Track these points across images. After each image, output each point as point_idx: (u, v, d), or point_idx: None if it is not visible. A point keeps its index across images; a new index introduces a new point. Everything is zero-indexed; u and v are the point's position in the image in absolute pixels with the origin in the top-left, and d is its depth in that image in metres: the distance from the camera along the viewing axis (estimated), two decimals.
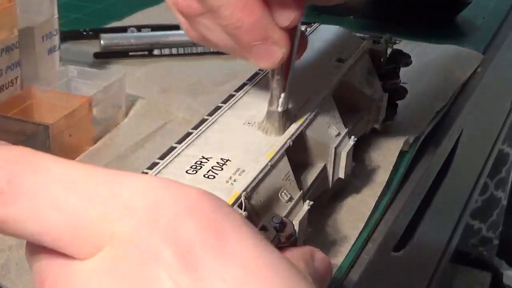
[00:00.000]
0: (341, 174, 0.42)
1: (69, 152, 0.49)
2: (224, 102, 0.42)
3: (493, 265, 1.30)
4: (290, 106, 0.40)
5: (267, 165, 0.36)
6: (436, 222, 0.69)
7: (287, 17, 0.35)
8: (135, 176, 0.24)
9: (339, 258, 0.40)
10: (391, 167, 0.49)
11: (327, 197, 0.44)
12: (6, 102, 0.49)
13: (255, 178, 0.34)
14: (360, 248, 0.42)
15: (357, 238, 0.42)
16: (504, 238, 1.35)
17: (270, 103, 0.39)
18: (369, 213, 0.44)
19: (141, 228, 0.22)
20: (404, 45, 0.56)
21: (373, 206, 0.45)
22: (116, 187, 0.23)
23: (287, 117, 0.40)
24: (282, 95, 0.39)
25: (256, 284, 0.22)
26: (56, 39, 0.55)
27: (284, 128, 0.39)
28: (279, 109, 0.39)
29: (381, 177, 0.48)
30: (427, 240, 0.68)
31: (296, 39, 0.39)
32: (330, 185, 0.42)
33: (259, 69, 0.46)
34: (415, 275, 0.68)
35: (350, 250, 0.41)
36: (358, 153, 0.49)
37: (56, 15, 0.54)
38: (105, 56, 0.66)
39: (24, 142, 0.45)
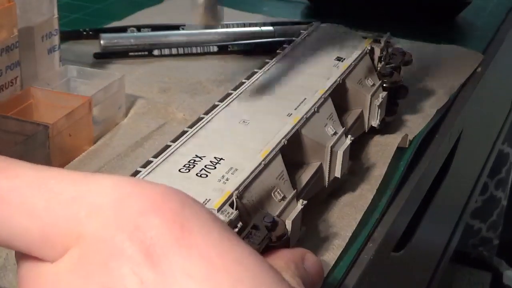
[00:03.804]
0: (338, 174, 0.42)
1: (69, 152, 0.49)
2: (221, 101, 0.42)
3: (493, 265, 1.30)
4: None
5: (260, 164, 0.36)
6: (436, 222, 0.69)
7: None
8: (103, 177, 0.24)
9: (336, 252, 0.40)
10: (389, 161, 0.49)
11: (324, 195, 0.44)
12: (6, 102, 0.49)
13: (247, 177, 0.34)
14: (360, 248, 0.42)
15: (356, 237, 0.42)
16: (504, 238, 1.35)
17: None
18: (367, 206, 0.44)
19: (106, 226, 0.22)
20: (404, 45, 0.56)
21: (371, 199, 0.45)
22: (84, 188, 0.23)
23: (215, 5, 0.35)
24: None
25: (221, 279, 0.22)
26: (56, 39, 0.55)
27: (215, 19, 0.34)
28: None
29: (379, 173, 0.48)
30: (427, 240, 0.68)
31: None
32: (326, 184, 0.42)
33: (257, 68, 0.46)
34: (415, 275, 0.68)
35: (350, 249, 0.41)
36: (357, 152, 0.49)
37: (56, 15, 0.54)
38: (105, 56, 0.66)
39: (24, 142, 0.45)
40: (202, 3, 0.35)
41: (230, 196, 0.33)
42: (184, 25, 0.71)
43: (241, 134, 0.38)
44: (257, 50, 0.68)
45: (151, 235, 0.22)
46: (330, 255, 0.40)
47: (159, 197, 0.23)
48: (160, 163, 0.35)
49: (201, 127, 0.39)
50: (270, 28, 0.72)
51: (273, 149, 0.37)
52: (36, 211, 0.23)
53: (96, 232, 0.22)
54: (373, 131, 0.51)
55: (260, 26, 0.72)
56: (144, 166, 0.35)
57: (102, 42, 0.67)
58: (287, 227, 0.34)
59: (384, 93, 0.49)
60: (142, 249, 0.22)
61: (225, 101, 0.42)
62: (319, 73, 0.46)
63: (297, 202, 0.37)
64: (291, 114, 0.41)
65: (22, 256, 0.24)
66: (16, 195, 0.23)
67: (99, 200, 0.23)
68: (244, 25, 0.73)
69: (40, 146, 0.45)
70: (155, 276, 0.21)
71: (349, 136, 0.43)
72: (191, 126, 0.39)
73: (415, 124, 0.54)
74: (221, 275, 0.22)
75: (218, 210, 0.32)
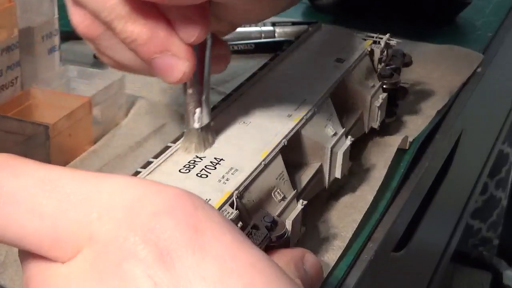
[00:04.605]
0: (338, 174, 0.42)
1: (69, 152, 0.49)
2: (221, 102, 0.42)
3: (493, 265, 1.30)
4: (209, 121, 0.38)
5: (260, 164, 0.36)
6: (436, 222, 0.69)
7: (191, 33, 0.34)
8: (113, 177, 0.24)
9: (336, 252, 0.40)
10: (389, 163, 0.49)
11: (324, 197, 0.44)
12: (6, 102, 0.49)
13: (247, 177, 0.34)
14: (360, 248, 0.42)
15: (357, 237, 0.42)
16: (504, 238, 1.35)
17: (187, 119, 0.38)
18: (367, 207, 0.44)
19: (119, 228, 0.22)
20: (404, 45, 0.56)
21: (371, 200, 0.45)
22: (95, 189, 0.23)
23: (207, 133, 0.37)
24: (197, 110, 0.37)
25: (234, 281, 0.22)
26: (56, 39, 0.55)
27: (205, 145, 0.37)
28: (196, 125, 0.37)
29: (379, 174, 0.48)
30: (427, 240, 0.68)
31: (207, 52, 0.37)
32: (327, 185, 0.42)
33: (258, 69, 0.46)
34: (415, 275, 0.68)
35: (350, 249, 0.41)
36: (357, 153, 0.49)
37: (56, 15, 0.54)
38: None
39: (24, 142, 0.45)
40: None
41: (230, 196, 0.33)
42: None
43: (241, 135, 0.38)
44: (257, 50, 0.68)
45: (165, 237, 0.22)
46: (330, 256, 0.40)
47: (172, 199, 0.23)
48: (160, 164, 0.35)
49: None
50: (270, 28, 0.72)
51: (273, 149, 0.37)
52: (47, 211, 0.23)
53: (109, 234, 0.22)
54: (373, 133, 0.51)
55: (260, 26, 0.72)
56: (144, 166, 0.35)
57: None
58: (287, 227, 0.34)
59: (384, 94, 0.49)
60: (156, 251, 0.22)
61: (225, 103, 0.42)
62: (319, 74, 0.46)
63: (297, 202, 0.37)
64: (291, 115, 0.41)
65: (29, 256, 0.24)
66: (25, 194, 0.23)
67: (111, 201, 0.23)
68: (244, 25, 0.73)
69: (40, 146, 0.45)
70: (169, 278, 0.21)
71: (349, 137, 0.43)
72: None
73: (415, 125, 0.54)
74: (234, 278, 0.22)
75: (218, 210, 0.32)
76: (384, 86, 0.50)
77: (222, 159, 0.35)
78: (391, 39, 0.52)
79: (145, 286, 0.21)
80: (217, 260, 0.22)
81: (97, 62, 0.65)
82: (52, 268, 0.23)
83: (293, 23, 0.73)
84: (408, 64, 0.53)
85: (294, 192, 0.37)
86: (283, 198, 0.36)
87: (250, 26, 0.73)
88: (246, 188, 0.34)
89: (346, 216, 0.43)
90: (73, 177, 0.23)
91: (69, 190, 0.23)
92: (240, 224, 0.32)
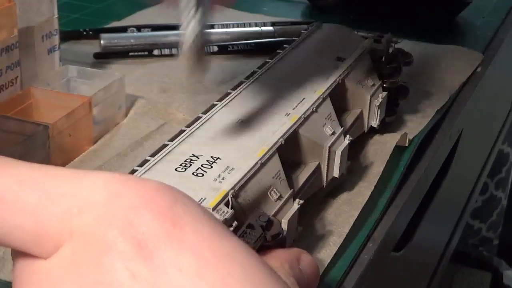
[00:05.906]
0: (336, 174, 0.42)
1: (69, 152, 0.49)
2: (219, 100, 0.42)
3: (493, 265, 1.30)
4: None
5: (257, 163, 0.36)
6: (436, 222, 0.69)
7: None
8: (94, 174, 0.24)
9: (332, 248, 0.40)
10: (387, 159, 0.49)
11: (322, 195, 0.44)
12: (6, 102, 0.49)
13: (243, 176, 0.34)
14: (360, 248, 0.42)
15: (356, 236, 0.42)
16: (504, 238, 1.35)
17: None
18: (364, 203, 0.44)
19: (98, 222, 0.22)
20: (404, 44, 0.56)
21: (368, 195, 0.45)
22: (75, 185, 0.23)
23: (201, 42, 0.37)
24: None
25: (212, 273, 0.22)
26: (56, 39, 0.55)
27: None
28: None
29: (377, 171, 0.48)
30: (427, 240, 0.68)
31: None
32: (325, 184, 0.42)
33: (257, 68, 0.47)
34: (415, 275, 0.68)
35: (349, 248, 0.41)
36: (356, 151, 0.49)
37: (56, 15, 0.54)
38: (105, 56, 0.66)
39: (24, 142, 0.45)
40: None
41: (226, 195, 0.33)
42: None
43: (239, 134, 0.39)
44: (257, 50, 0.68)
45: (143, 230, 0.22)
46: (327, 252, 0.40)
47: (151, 193, 0.23)
48: (156, 162, 0.35)
49: (199, 126, 0.39)
50: (270, 28, 0.72)
51: (270, 148, 0.37)
52: (29, 208, 0.23)
53: (88, 228, 0.22)
54: (373, 131, 0.51)
55: (260, 26, 0.72)
56: (141, 165, 0.35)
57: (102, 42, 0.67)
58: (283, 226, 0.34)
59: (384, 94, 0.49)
60: (134, 244, 0.22)
61: (223, 101, 0.42)
62: (318, 73, 0.46)
63: (293, 201, 0.37)
64: (289, 113, 0.41)
65: (17, 254, 0.24)
66: (7, 192, 0.23)
67: (91, 196, 0.23)
68: (244, 25, 0.73)
69: (40, 146, 0.45)
70: (147, 270, 0.22)
71: (348, 136, 0.43)
72: (189, 126, 0.39)
73: (415, 124, 0.54)
74: (211, 269, 0.22)
75: (214, 209, 0.32)
76: (384, 85, 0.50)
77: (218, 158, 0.36)
78: (392, 38, 0.52)
79: (123, 278, 0.22)
80: (194, 252, 0.22)
81: (97, 62, 0.65)
82: (35, 264, 0.23)
83: (293, 23, 0.73)
84: (409, 63, 0.53)
85: (290, 191, 0.37)
86: (279, 198, 0.36)
87: (250, 26, 0.73)
88: (242, 187, 0.34)
89: (343, 213, 0.43)
90: (55, 175, 0.24)
91: (50, 186, 0.23)
92: (235, 223, 0.32)
